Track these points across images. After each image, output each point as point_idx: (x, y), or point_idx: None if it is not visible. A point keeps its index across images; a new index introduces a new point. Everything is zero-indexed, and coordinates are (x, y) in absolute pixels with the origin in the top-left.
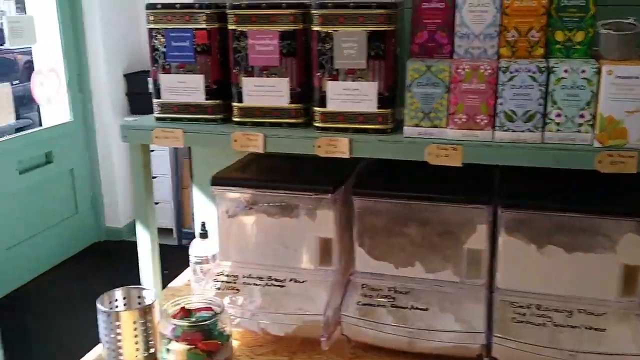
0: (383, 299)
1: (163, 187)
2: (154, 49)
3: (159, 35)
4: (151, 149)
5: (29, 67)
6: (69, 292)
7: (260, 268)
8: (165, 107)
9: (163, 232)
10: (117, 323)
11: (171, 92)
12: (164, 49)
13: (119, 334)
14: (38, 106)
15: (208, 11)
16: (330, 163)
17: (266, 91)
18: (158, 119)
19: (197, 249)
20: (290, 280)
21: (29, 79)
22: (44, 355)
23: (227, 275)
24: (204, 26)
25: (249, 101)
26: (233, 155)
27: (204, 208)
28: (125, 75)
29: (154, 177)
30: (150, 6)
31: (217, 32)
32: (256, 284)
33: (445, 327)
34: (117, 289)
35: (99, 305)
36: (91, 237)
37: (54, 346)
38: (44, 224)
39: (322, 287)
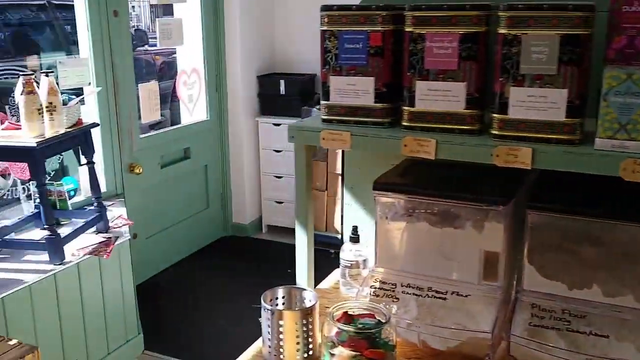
0: (557, 322)
1: (288, 188)
2: (326, 51)
3: (332, 37)
4: (278, 149)
5: (165, 67)
6: (200, 282)
7: (418, 278)
8: (333, 109)
9: (287, 231)
10: (281, 322)
11: (340, 94)
12: (336, 51)
13: (281, 332)
14: (172, 104)
15: (384, 13)
16: (493, 172)
17: (441, 95)
18: (324, 120)
19: (347, 253)
20: (452, 293)
21: (164, 78)
22: (181, 341)
23: (384, 283)
24: (378, 28)
25: (421, 105)
26: (385, 160)
27: (353, 212)
28: (257, 77)
29: (280, 177)
30: (325, 8)
31: (391, 34)
32: (415, 294)
33: (623, 356)
34: (279, 287)
35: (263, 303)
36: (219, 232)
37: (188, 332)
38: (179, 217)
39: (486, 303)
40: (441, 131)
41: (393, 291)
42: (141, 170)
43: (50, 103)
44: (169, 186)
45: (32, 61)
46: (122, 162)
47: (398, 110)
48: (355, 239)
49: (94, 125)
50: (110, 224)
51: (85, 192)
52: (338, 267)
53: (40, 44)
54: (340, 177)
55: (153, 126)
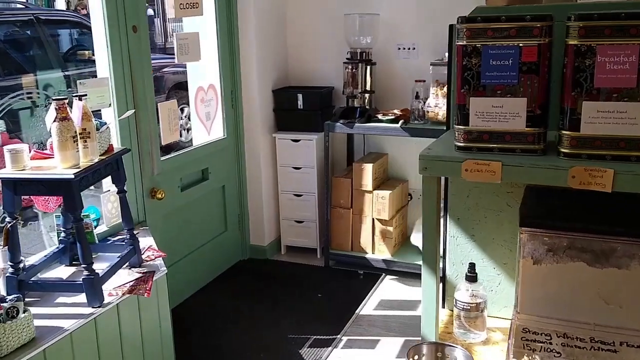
0: None
1: (308, 206)
2: (465, 68)
3: (473, 53)
4: (297, 165)
5: (173, 84)
6: (223, 311)
7: (574, 326)
8: (472, 135)
9: (307, 252)
10: None
11: (483, 117)
12: (479, 69)
13: None
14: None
15: (540, 24)
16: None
17: (614, 118)
18: (461, 148)
19: (462, 293)
20: (622, 344)
21: (174, 96)
22: None
23: (537, 333)
24: (534, 41)
25: (588, 130)
26: (494, 187)
27: (460, 245)
28: (273, 91)
29: (299, 195)
30: (465, 20)
31: (548, 47)
32: (577, 346)
33: None
34: (424, 344)
35: None
36: (237, 255)
37: None
38: (199, 242)
39: None
40: (614, 159)
41: (550, 343)
42: (163, 195)
43: (84, 129)
44: (189, 210)
45: (26, 79)
46: (144, 187)
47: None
48: (472, 277)
49: (126, 150)
50: (143, 257)
51: (107, 221)
52: (370, 289)
53: (32, 61)
54: (369, 195)
55: (168, 148)
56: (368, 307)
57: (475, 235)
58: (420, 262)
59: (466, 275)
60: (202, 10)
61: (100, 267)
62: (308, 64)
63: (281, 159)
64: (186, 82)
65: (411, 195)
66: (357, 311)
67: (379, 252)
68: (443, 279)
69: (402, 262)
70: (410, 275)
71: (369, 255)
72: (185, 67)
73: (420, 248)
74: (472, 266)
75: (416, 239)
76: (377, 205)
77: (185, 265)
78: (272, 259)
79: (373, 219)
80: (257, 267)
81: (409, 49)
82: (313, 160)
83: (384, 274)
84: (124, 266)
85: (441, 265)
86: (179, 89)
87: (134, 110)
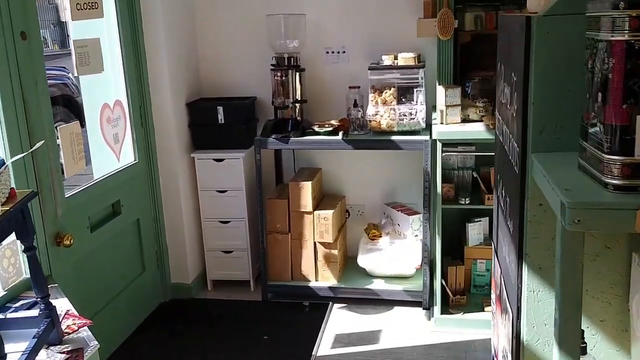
0: None
1: (237, 234)
2: (630, 74)
3: None
4: (222, 188)
5: (65, 101)
6: None
7: None
8: None
9: (238, 285)
10: None
11: None
12: None
13: None
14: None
15: None
16: None
17: None
18: (620, 187)
19: None
20: None
21: (69, 116)
22: None
23: None
24: None
25: None
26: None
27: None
28: (187, 105)
29: (226, 222)
30: (633, 4)
31: None
32: None
33: None
34: None
35: None
36: (158, 298)
37: None
38: (114, 290)
39: None
40: None
41: None
42: (72, 240)
43: None
44: (101, 253)
45: None
46: (47, 234)
47: None
48: (582, 349)
49: (32, 195)
50: (62, 328)
51: (3, 283)
52: (320, 322)
53: None
54: (309, 216)
55: None
56: (324, 346)
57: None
58: (370, 286)
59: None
60: (102, 11)
61: (11, 352)
62: (224, 72)
63: (202, 182)
64: (74, 97)
65: (349, 211)
66: (313, 353)
67: (324, 278)
68: (517, 343)
69: (349, 287)
70: (360, 302)
71: (313, 284)
72: (71, 79)
73: (367, 269)
74: (581, 333)
75: (363, 260)
76: (319, 227)
77: (101, 321)
78: (198, 298)
79: (315, 243)
80: (182, 309)
81: (338, 52)
82: (241, 181)
83: (331, 303)
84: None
85: (514, 325)
86: (66, 106)
87: (43, 141)
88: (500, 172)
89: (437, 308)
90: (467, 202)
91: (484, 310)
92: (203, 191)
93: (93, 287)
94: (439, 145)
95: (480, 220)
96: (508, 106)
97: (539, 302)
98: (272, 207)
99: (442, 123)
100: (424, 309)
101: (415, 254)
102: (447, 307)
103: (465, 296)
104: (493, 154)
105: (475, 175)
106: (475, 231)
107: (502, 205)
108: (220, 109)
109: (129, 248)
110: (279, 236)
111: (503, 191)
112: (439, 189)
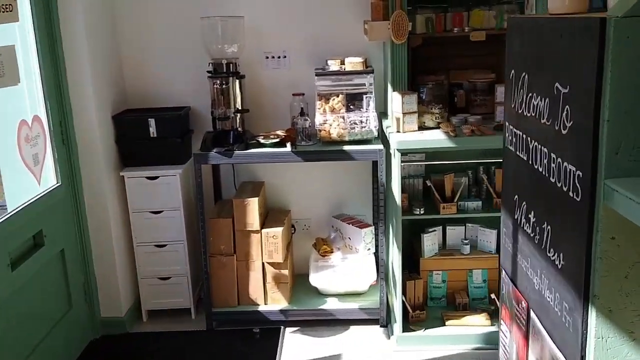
0: None
1: (175, 258)
2: None
3: None
4: (156, 209)
5: None
6: None
7: None
8: None
9: (177, 314)
10: None
11: None
12: None
13: None
14: None
15: None
16: None
17: None
18: None
19: None
20: None
21: None
22: None
23: None
24: None
25: None
26: None
27: (609, 350)
28: (113, 118)
29: (162, 246)
30: None
31: None
32: None
33: None
34: None
35: None
36: (87, 336)
37: None
38: (40, 333)
39: None
40: None
41: None
42: None
43: None
44: (24, 293)
45: None
46: None
47: None
48: None
49: None
50: None
51: None
52: (275, 351)
53: None
54: (257, 235)
55: None
56: None
57: (635, 333)
58: (324, 306)
59: None
60: (18, 14)
61: None
62: (152, 80)
63: (134, 203)
64: None
65: (294, 226)
66: None
67: (274, 301)
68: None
69: (302, 309)
70: (313, 324)
71: (262, 307)
72: None
73: (320, 288)
74: None
75: (316, 279)
76: (268, 246)
77: None
78: (133, 332)
79: (263, 264)
80: (115, 345)
81: (279, 57)
82: (177, 201)
83: (283, 327)
84: None
85: None
86: None
87: None
88: (525, 194)
89: (397, 326)
90: (421, 212)
91: (444, 325)
92: (135, 213)
93: (15, 333)
94: (397, 154)
95: (435, 230)
96: (546, 122)
97: (608, 350)
98: (215, 227)
99: (398, 131)
100: (381, 326)
101: (370, 269)
102: (407, 324)
103: (425, 311)
104: (446, 162)
105: (429, 184)
106: (430, 242)
107: (533, 232)
108: (152, 122)
109: (54, 283)
110: (224, 258)
111: (533, 216)
112: (398, 200)
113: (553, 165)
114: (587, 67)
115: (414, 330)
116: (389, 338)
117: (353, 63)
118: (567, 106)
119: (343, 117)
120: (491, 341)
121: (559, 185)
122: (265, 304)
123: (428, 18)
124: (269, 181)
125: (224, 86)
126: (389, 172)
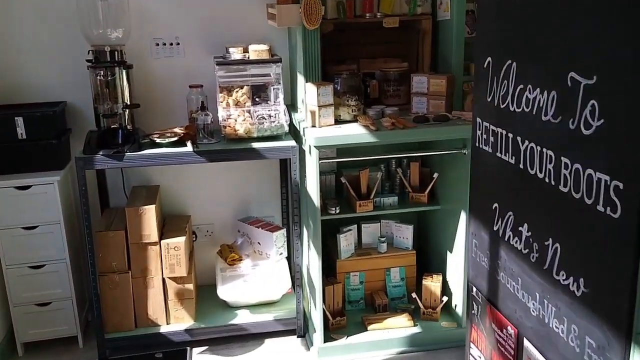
0: None
1: (56, 279)
2: None
3: None
4: (30, 224)
5: None
6: None
7: None
8: None
9: (61, 344)
10: None
11: None
12: None
13: None
14: None
15: None
16: None
17: None
18: None
19: None
20: None
21: None
22: None
23: None
24: None
25: None
26: None
27: None
28: None
29: (39, 267)
30: None
31: None
32: None
33: None
34: None
35: None
36: None
37: None
38: None
39: None
40: None
41: None
42: None
43: None
44: None
45: None
46: None
47: None
48: None
49: None
50: None
51: None
52: None
53: None
54: (155, 247)
55: None
56: None
57: None
58: (234, 320)
59: None
60: None
61: None
62: (16, 71)
63: (1, 219)
64: None
65: (195, 233)
66: None
67: (177, 320)
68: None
69: (210, 326)
70: (224, 340)
71: (164, 328)
72: None
73: (229, 301)
74: None
75: (224, 291)
76: (169, 259)
77: None
78: None
79: (164, 279)
80: None
81: (171, 44)
82: (56, 213)
83: (189, 348)
84: None
85: None
86: None
87: None
88: (512, 204)
89: (317, 336)
90: (337, 211)
91: (367, 330)
92: (3, 230)
93: None
94: (314, 151)
95: (350, 229)
96: (552, 119)
97: None
98: (103, 241)
99: (314, 126)
100: (298, 336)
101: (284, 276)
102: (328, 332)
103: (345, 316)
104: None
105: (343, 180)
106: (346, 242)
107: (527, 249)
108: (19, 121)
109: None
110: (116, 276)
111: (527, 230)
112: (315, 201)
113: (565, 171)
114: (633, 52)
115: (335, 339)
116: (308, 349)
117: (258, 51)
118: (592, 101)
119: (249, 111)
120: (415, 343)
121: (576, 196)
122: (167, 323)
123: (339, 2)
124: (165, 184)
125: (109, 78)
126: (302, 170)
